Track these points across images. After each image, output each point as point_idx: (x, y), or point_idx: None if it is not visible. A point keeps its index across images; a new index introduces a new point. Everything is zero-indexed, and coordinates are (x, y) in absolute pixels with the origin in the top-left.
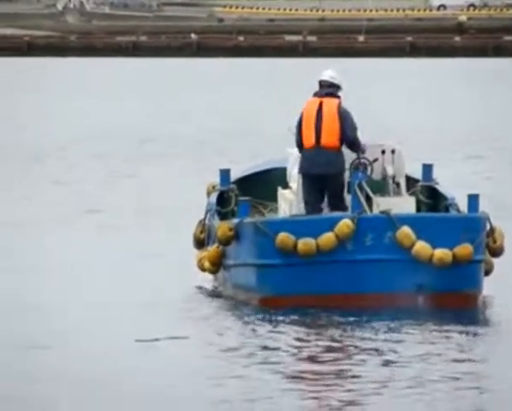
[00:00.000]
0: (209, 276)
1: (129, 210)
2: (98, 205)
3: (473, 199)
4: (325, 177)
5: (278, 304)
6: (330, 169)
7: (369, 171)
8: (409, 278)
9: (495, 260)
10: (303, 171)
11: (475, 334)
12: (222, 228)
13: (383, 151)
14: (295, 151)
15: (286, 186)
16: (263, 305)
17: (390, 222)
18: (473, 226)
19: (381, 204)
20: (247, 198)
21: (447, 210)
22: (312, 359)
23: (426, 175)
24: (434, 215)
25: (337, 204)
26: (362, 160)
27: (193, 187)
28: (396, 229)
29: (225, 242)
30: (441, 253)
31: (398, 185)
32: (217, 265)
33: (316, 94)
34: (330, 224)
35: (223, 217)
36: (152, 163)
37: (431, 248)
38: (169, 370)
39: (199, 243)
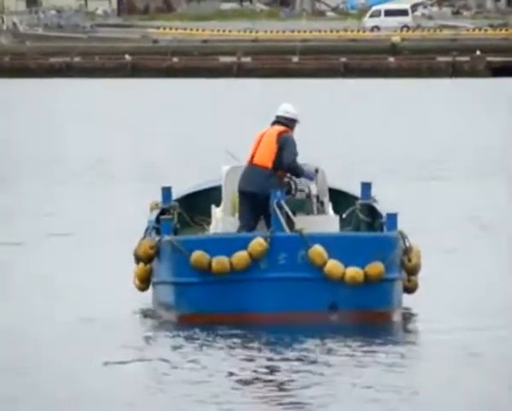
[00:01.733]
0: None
1: (86, 230)
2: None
3: (392, 218)
4: (255, 195)
5: (196, 322)
6: (258, 187)
7: (293, 190)
8: (322, 296)
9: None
10: (238, 187)
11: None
12: (143, 245)
13: None
14: (227, 169)
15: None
16: (181, 322)
17: (303, 241)
18: (385, 245)
19: (304, 223)
20: (169, 217)
21: (382, 228)
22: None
23: (365, 194)
24: (346, 234)
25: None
26: (285, 179)
27: (134, 206)
28: (308, 247)
29: (146, 260)
30: (353, 272)
31: (322, 204)
32: (145, 282)
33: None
34: (244, 243)
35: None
36: (91, 184)
37: (343, 267)
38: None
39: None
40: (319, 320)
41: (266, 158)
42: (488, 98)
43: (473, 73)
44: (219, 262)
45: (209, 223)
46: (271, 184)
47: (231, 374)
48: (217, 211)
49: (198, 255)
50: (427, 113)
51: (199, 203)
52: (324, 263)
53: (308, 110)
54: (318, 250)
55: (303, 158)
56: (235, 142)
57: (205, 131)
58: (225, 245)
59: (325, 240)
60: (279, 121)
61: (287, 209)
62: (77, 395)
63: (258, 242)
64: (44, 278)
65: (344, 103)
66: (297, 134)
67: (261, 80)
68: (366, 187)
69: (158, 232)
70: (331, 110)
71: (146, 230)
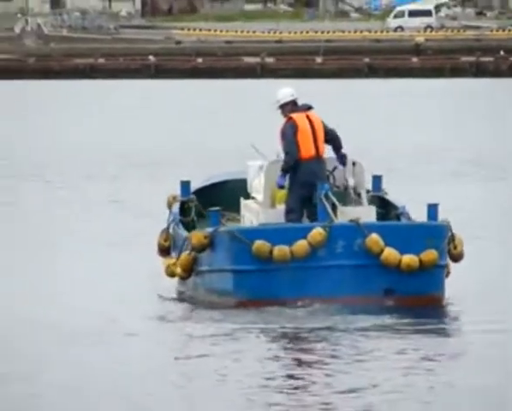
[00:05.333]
0: (174, 282)
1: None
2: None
3: (433, 209)
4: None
5: (254, 306)
6: (325, 179)
7: (331, 181)
8: (378, 282)
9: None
10: (302, 180)
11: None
12: (197, 236)
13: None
14: (255, 164)
15: (247, 196)
16: (239, 307)
17: (359, 230)
18: (437, 233)
19: (342, 213)
20: (216, 208)
21: (398, 218)
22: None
23: (376, 186)
24: (400, 223)
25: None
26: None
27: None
28: (365, 236)
29: (200, 249)
30: (408, 259)
31: (359, 195)
32: (188, 272)
33: (297, 110)
34: (304, 232)
35: (185, 226)
36: (116, 179)
37: (399, 254)
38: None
39: (164, 251)
40: (375, 304)
41: (324, 150)
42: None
43: (496, 73)
44: (280, 250)
45: (223, 216)
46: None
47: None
48: (249, 204)
49: (259, 244)
50: (451, 112)
51: (211, 196)
52: (381, 251)
53: (332, 110)
54: (374, 238)
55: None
56: (258, 140)
57: (228, 130)
58: (286, 234)
59: (381, 228)
60: (298, 104)
61: (334, 199)
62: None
63: (317, 232)
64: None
65: (368, 103)
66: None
67: (285, 80)
68: (377, 179)
69: (184, 224)
70: (355, 109)
71: (171, 222)
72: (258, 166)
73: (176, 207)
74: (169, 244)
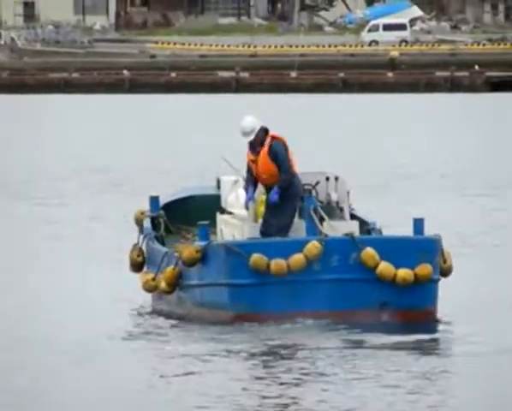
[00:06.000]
0: (148, 297)
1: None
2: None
3: (419, 223)
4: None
5: (250, 320)
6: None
7: (313, 195)
8: (373, 296)
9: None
10: (295, 194)
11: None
12: (188, 250)
13: (327, 178)
14: (230, 179)
15: (212, 211)
16: (235, 321)
17: (354, 243)
18: (431, 247)
19: (325, 228)
20: (205, 222)
21: (369, 233)
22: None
23: None
24: (394, 236)
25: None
26: (306, 186)
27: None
28: (360, 250)
29: (191, 263)
30: (403, 273)
31: (342, 210)
32: (173, 286)
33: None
34: (300, 246)
35: (156, 241)
36: (85, 194)
37: (394, 268)
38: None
39: (136, 266)
40: (370, 318)
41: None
42: (487, 112)
43: (471, 88)
44: (277, 264)
45: (188, 232)
46: None
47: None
48: (228, 218)
49: (256, 257)
50: (425, 128)
51: (177, 211)
52: (376, 265)
53: (307, 124)
54: (370, 252)
55: (318, 167)
56: (232, 154)
57: (201, 144)
58: (282, 248)
59: (376, 242)
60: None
61: (323, 214)
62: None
63: (313, 245)
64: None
65: (342, 118)
66: (294, 146)
67: (259, 95)
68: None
69: (158, 239)
70: (329, 124)
71: (145, 237)
72: (232, 181)
73: (148, 222)
74: (142, 259)
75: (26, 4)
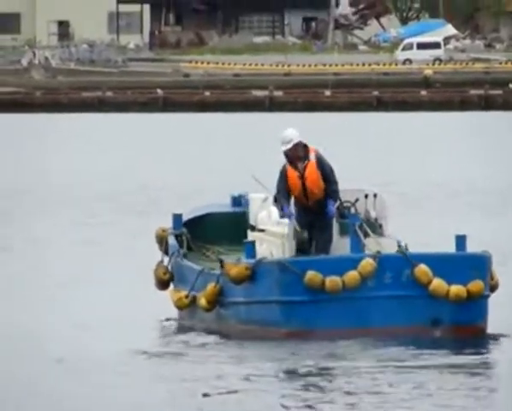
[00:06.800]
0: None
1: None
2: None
3: (461, 240)
4: None
5: (304, 337)
6: None
7: (352, 211)
8: (426, 313)
9: None
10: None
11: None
12: (238, 268)
13: (366, 196)
14: (259, 196)
15: (230, 229)
16: (288, 338)
17: (407, 260)
18: (483, 264)
19: (371, 244)
20: (253, 240)
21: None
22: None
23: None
24: (447, 253)
25: None
26: (345, 204)
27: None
28: (413, 266)
29: (240, 281)
30: (456, 289)
31: (381, 226)
32: (213, 303)
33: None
34: (355, 263)
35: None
36: (124, 214)
37: (447, 285)
38: None
39: (163, 284)
40: (423, 335)
41: None
42: None
43: (505, 106)
44: (332, 281)
45: (207, 249)
46: None
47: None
48: (263, 235)
49: (312, 274)
50: (460, 146)
51: (195, 229)
52: (429, 281)
53: (341, 143)
54: (423, 269)
55: (355, 185)
56: (264, 173)
57: (234, 162)
58: (337, 265)
59: (429, 259)
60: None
61: (369, 231)
62: None
63: (368, 262)
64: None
65: (376, 136)
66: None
67: (293, 113)
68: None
69: (186, 256)
70: (364, 142)
71: (173, 255)
72: (261, 198)
73: (173, 240)
74: (169, 277)
75: (60, 23)
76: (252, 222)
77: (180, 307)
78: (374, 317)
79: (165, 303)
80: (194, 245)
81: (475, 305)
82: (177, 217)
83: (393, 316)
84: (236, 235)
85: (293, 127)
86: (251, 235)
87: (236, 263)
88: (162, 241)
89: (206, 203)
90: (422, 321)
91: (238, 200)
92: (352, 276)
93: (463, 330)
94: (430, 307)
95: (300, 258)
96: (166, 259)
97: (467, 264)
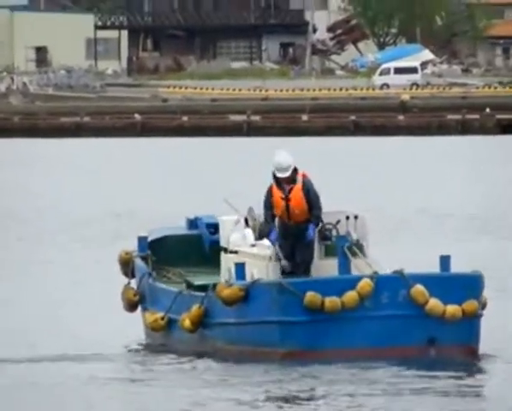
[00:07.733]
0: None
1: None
2: None
3: (445, 260)
4: None
5: (302, 358)
6: None
7: (334, 233)
8: (421, 332)
9: None
10: None
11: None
12: (232, 290)
13: (347, 217)
14: (231, 219)
15: (186, 251)
16: (286, 358)
17: (404, 280)
18: (477, 284)
19: (355, 265)
20: (243, 261)
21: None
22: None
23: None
24: (442, 273)
25: None
26: (327, 226)
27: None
28: (410, 286)
29: (232, 302)
30: (453, 309)
31: (361, 248)
32: (197, 325)
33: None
34: (353, 283)
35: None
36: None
37: (443, 304)
38: None
39: (133, 306)
40: (418, 354)
41: None
42: (498, 155)
43: (482, 130)
44: (332, 302)
45: (167, 271)
46: None
47: None
48: (240, 258)
49: (311, 295)
50: (436, 170)
51: (154, 251)
52: (426, 301)
53: (319, 167)
54: (419, 289)
55: (338, 207)
56: (238, 196)
57: (211, 187)
58: (336, 285)
59: (425, 279)
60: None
61: (359, 253)
62: None
63: (366, 283)
64: None
65: (354, 161)
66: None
67: (271, 138)
68: None
69: (151, 277)
70: (341, 167)
71: (143, 276)
72: (234, 220)
73: (140, 261)
74: (138, 298)
75: (38, 49)
76: (223, 244)
77: (155, 329)
78: (371, 337)
79: (133, 326)
80: (155, 266)
81: (469, 325)
82: (143, 240)
83: (389, 336)
84: (193, 256)
85: (283, 149)
86: (225, 257)
87: (226, 285)
88: (126, 263)
89: (161, 226)
90: (418, 341)
91: (194, 223)
92: (351, 296)
93: (458, 350)
94: (425, 327)
95: (299, 279)
96: (133, 282)
97: (462, 284)
